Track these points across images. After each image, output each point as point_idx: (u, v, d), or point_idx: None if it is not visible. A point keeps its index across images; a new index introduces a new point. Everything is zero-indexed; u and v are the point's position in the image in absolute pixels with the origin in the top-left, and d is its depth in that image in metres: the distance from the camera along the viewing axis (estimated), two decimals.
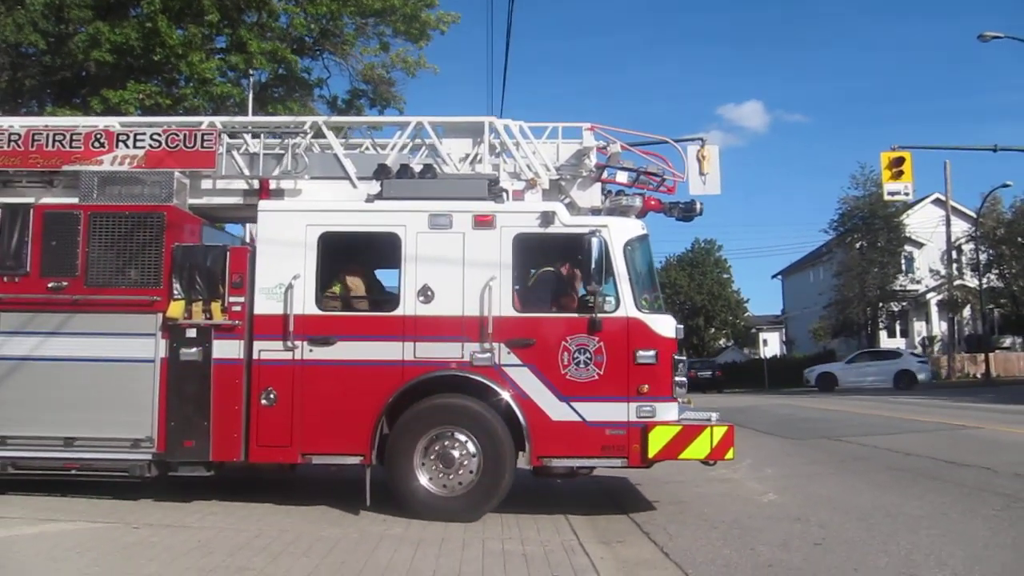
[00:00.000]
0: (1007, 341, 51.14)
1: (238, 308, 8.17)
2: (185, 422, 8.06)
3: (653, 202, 8.84)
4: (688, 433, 7.96)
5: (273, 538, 6.87)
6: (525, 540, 6.98)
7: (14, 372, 8.17)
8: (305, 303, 8.12)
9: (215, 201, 9.07)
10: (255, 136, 9.17)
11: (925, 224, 49.83)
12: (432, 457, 8.02)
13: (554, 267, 8.46)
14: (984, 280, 46.50)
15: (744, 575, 6.22)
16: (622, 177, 9.23)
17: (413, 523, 7.57)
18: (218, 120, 9.12)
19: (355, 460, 8.04)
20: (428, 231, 8.17)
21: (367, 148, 9.55)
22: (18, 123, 9.16)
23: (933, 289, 50.42)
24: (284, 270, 8.16)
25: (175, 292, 8.11)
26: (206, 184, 9.07)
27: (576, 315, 8.10)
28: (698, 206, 9.22)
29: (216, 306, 8.11)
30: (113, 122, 9.21)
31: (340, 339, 8.09)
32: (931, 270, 49.36)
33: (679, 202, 9.24)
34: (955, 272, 49.09)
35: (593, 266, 7.92)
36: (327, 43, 20.54)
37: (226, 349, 8.12)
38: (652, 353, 8.00)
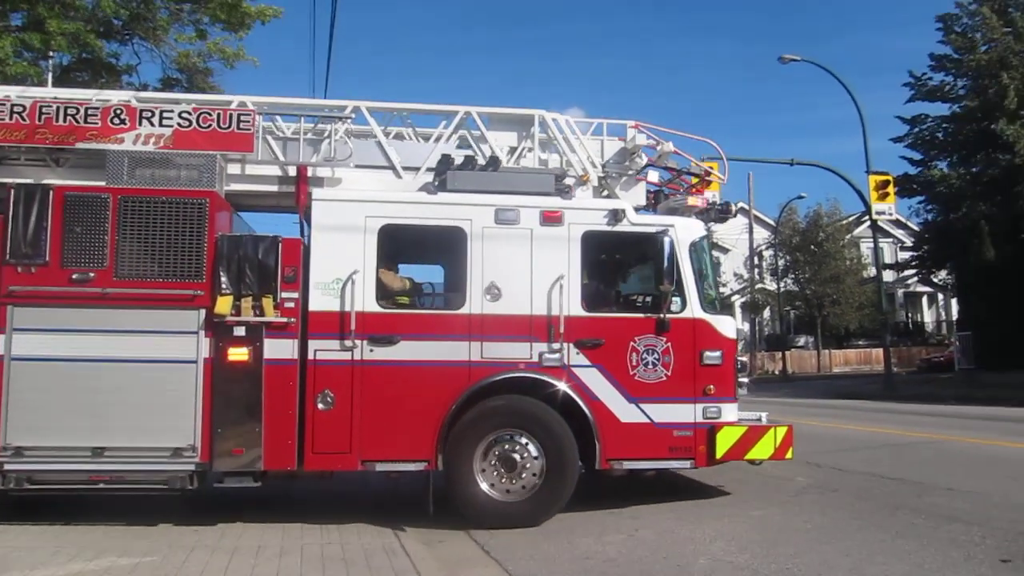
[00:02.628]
0: (801, 340, 55.06)
1: (291, 304, 7.56)
2: (233, 428, 7.38)
3: (702, 203, 8.85)
4: (754, 434, 8.03)
5: (72, 556, 6.37)
6: (346, 544, 6.79)
7: (31, 374, 7.24)
8: (365, 300, 7.63)
9: (245, 188, 8.36)
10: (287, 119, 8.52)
11: (731, 231, 52.03)
12: (493, 461, 7.73)
13: (619, 266, 8.31)
14: (782, 284, 50.54)
15: (563, 567, 6.33)
16: (653, 176, 9.18)
17: (228, 531, 7.19)
18: (249, 99, 8.38)
19: (419, 466, 7.63)
20: (494, 226, 7.84)
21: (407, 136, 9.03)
22: (19, 93, 8.14)
23: (737, 292, 53.44)
24: (342, 264, 7.64)
25: (222, 286, 7.41)
26: (234, 169, 8.36)
27: (644, 315, 8.00)
28: (733, 208, 9.30)
29: (268, 302, 7.47)
30: (128, 96, 8.33)
31: (403, 338, 7.65)
32: (735, 274, 52.35)
33: (716, 203, 9.29)
34: (756, 276, 53.06)
35: (662, 266, 7.85)
36: (138, 27, 19.25)
37: (279, 348, 7.50)
38: (718, 354, 8.02)
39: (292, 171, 8.37)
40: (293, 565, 6.17)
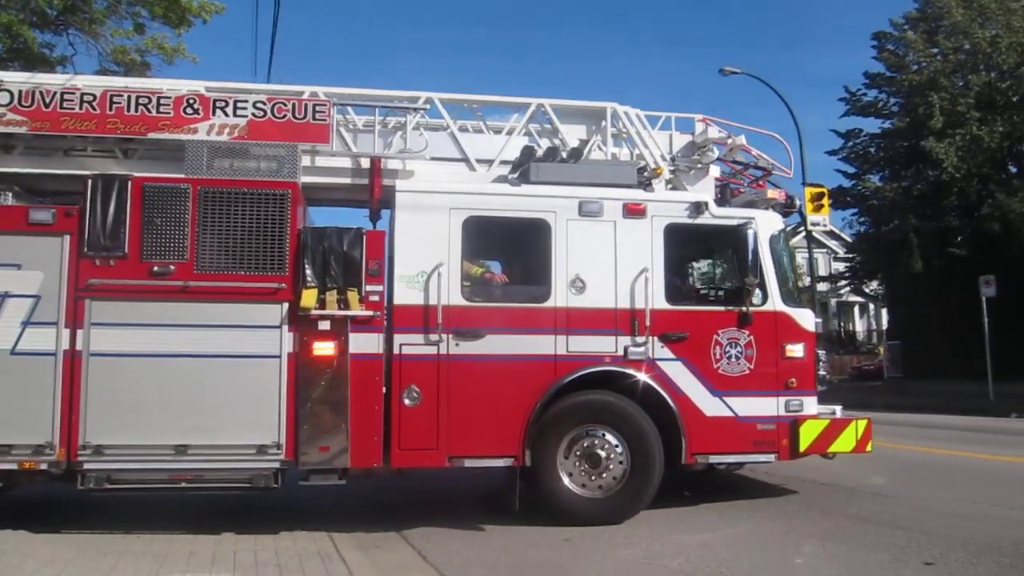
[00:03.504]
0: None
1: (376, 298, 7.40)
2: (319, 425, 7.19)
3: (782, 196, 8.81)
4: (836, 427, 8.00)
5: None
6: (280, 551, 6.59)
7: (110, 371, 7.01)
8: (450, 293, 7.49)
9: (316, 180, 8.14)
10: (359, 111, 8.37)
11: None
12: (576, 456, 7.63)
13: (700, 259, 8.25)
14: None
15: (501, 573, 6.26)
16: (714, 171, 9.14)
17: (158, 539, 6.90)
18: (320, 90, 8.20)
19: (506, 462, 7.50)
20: (578, 219, 7.75)
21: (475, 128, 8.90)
22: (88, 82, 7.90)
23: None
24: (426, 257, 7.50)
25: (307, 279, 7.22)
26: (304, 161, 8.15)
27: (727, 308, 7.95)
28: (797, 202, 9.29)
29: (353, 295, 7.29)
30: (197, 86, 8.10)
31: (489, 332, 7.52)
32: None
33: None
34: None
35: (745, 259, 7.81)
36: (73, 18, 18.85)
37: (364, 343, 7.33)
38: (800, 347, 7.98)
39: (364, 163, 8.20)
40: (225, 572, 5.99)
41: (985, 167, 28.80)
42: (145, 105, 7.66)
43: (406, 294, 7.47)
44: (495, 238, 7.78)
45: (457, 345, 7.47)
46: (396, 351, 7.41)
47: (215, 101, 7.76)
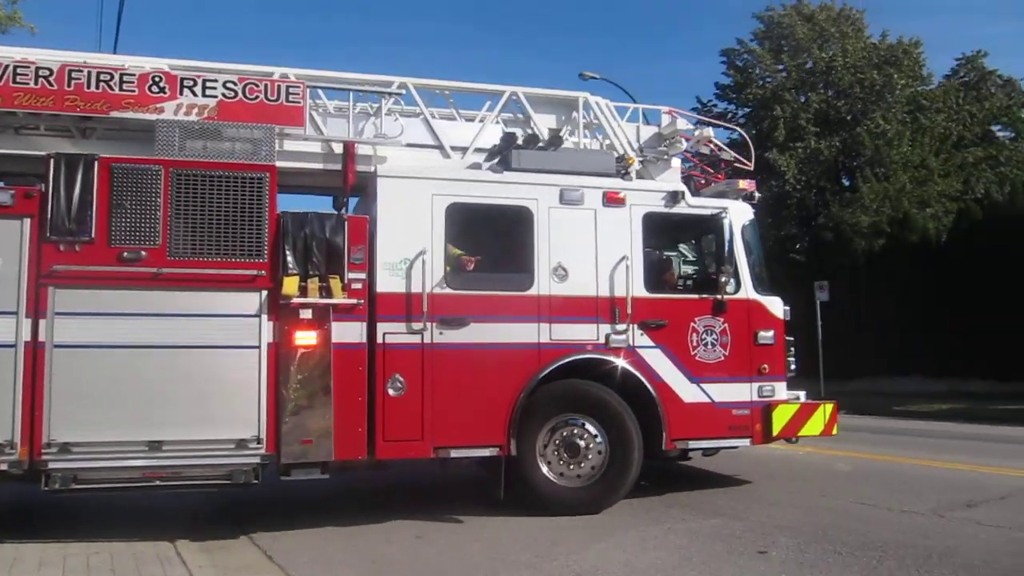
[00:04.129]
0: None
1: (358, 286, 7.19)
2: (302, 417, 6.93)
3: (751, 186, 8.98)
4: (806, 411, 8.24)
5: None
6: (116, 554, 6.27)
7: (76, 363, 6.56)
8: (433, 280, 7.35)
9: (288, 165, 7.82)
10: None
11: None
12: (556, 445, 7.63)
13: (676, 247, 8.35)
14: None
15: (349, 571, 6.17)
16: (675, 163, 9.28)
17: None
18: (290, 71, 7.92)
19: (492, 451, 7.42)
20: (559, 206, 7.74)
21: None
22: (43, 56, 7.37)
23: None
24: (409, 244, 7.35)
25: (288, 266, 6.94)
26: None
27: (703, 296, 8.08)
28: (756, 194, 9.52)
29: (336, 283, 7.06)
30: (160, 63, 7.68)
31: (473, 320, 7.42)
32: None
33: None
34: None
35: (721, 248, 7.97)
36: None
37: (347, 332, 7.11)
38: (771, 333, 8.19)
39: (336, 148, 7.96)
40: None
41: (822, 179, 30.89)
42: (107, 82, 7.23)
43: (389, 281, 7.29)
44: (477, 225, 7.66)
45: (441, 334, 7.34)
46: (380, 340, 7.22)
47: (183, 80, 7.39)
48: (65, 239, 6.61)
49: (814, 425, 8.24)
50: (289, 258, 6.96)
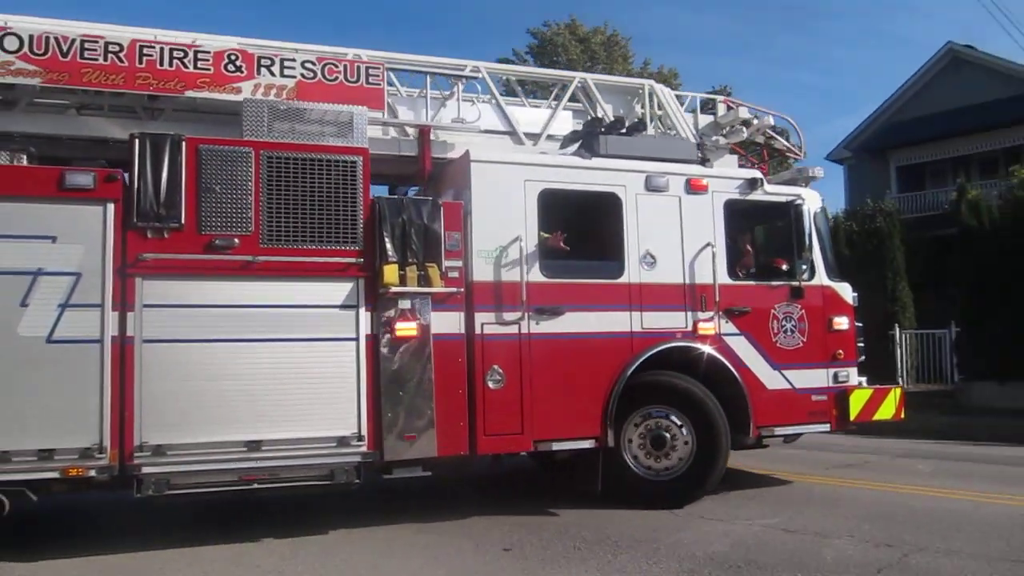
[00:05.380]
0: None
1: (455, 274, 6.90)
2: (403, 412, 6.59)
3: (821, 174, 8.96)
4: (879, 395, 8.29)
5: None
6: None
7: (167, 359, 6.08)
8: (529, 268, 7.11)
9: None
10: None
11: None
12: (641, 437, 7.47)
13: (755, 234, 8.31)
14: None
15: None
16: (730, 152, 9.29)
17: None
18: (363, 52, 7.57)
19: (589, 443, 7.21)
20: (645, 193, 7.60)
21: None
22: (113, 32, 6.84)
23: None
24: (503, 231, 7.10)
25: (388, 254, 6.60)
26: None
27: (782, 283, 8.05)
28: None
29: (434, 271, 6.74)
30: (230, 41, 7.23)
31: (569, 309, 7.20)
32: None
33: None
34: None
35: (799, 234, 7.98)
36: None
37: (446, 322, 6.81)
38: (844, 319, 8.22)
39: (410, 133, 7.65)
40: None
41: None
42: (180, 59, 6.78)
43: (485, 270, 7.02)
44: (568, 212, 7.44)
45: (538, 324, 7.11)
46: (478, 331, 6.93)
47: (260, 59, 7.00)
48: (152, 225, 6.13)
49: (887, 409, 8.28)
50: (388, 245, 6.62)
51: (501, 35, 67.41)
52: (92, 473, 5.90)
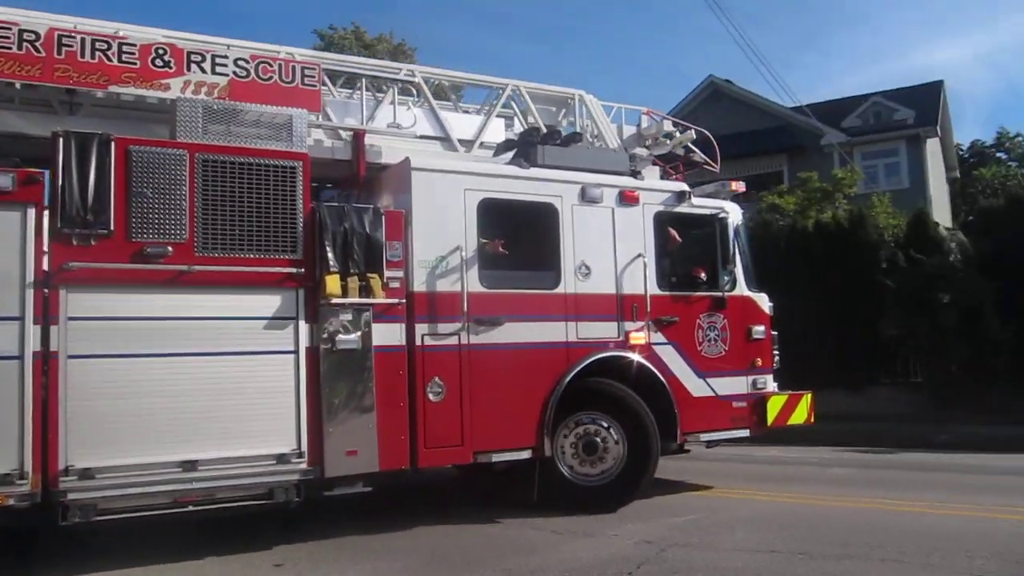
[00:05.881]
0: None
1: (396, 284, 6.75)
2: (344, 427, 6.41)
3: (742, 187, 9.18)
4: (793, 401, 8.68)
5: None
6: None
7: (96, 376, 5.68)
8: (468, 279, 7.05)
9: None
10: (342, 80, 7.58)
11: None
12: (573, 446, 7.58)
13: (681, 245, 8.50)
14: None
15: None
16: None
17: None
18: (295, 51, 7.28)
19: (528, 454, 7.23)
20: (580, 204, 7.68)
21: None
22: (29, 18, 6.29)
23: None
24: (443, 240, 7.02)
25: (330, 263, 6.39)
26: None
27: (706, 293, 8.31)
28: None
29: (375, 281, 6.58)
30: (155, 35, 6.80)
31: (507, 319, 7.19)
32: None
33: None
34: None
35: (723, 246, 8.26)
36: None
37: (387, 334, 6.67)
38: (762, 328, 8.58)
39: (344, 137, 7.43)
40: None
41: None
42: (104, 52, 6.33)
43: (425, 280, 6.91)
44: (507, 222, 7.41)
45: (477, 334, 7.07)
46: (419, 342, 6.82)
47: (190, 54, 6.61)
48: (78, 232, 5.71)
49: (800, 414, 8.69)
50: (329, 255, 6.42)
51: (286, 32, 65.29)
52: (11, 502, 5.44)
